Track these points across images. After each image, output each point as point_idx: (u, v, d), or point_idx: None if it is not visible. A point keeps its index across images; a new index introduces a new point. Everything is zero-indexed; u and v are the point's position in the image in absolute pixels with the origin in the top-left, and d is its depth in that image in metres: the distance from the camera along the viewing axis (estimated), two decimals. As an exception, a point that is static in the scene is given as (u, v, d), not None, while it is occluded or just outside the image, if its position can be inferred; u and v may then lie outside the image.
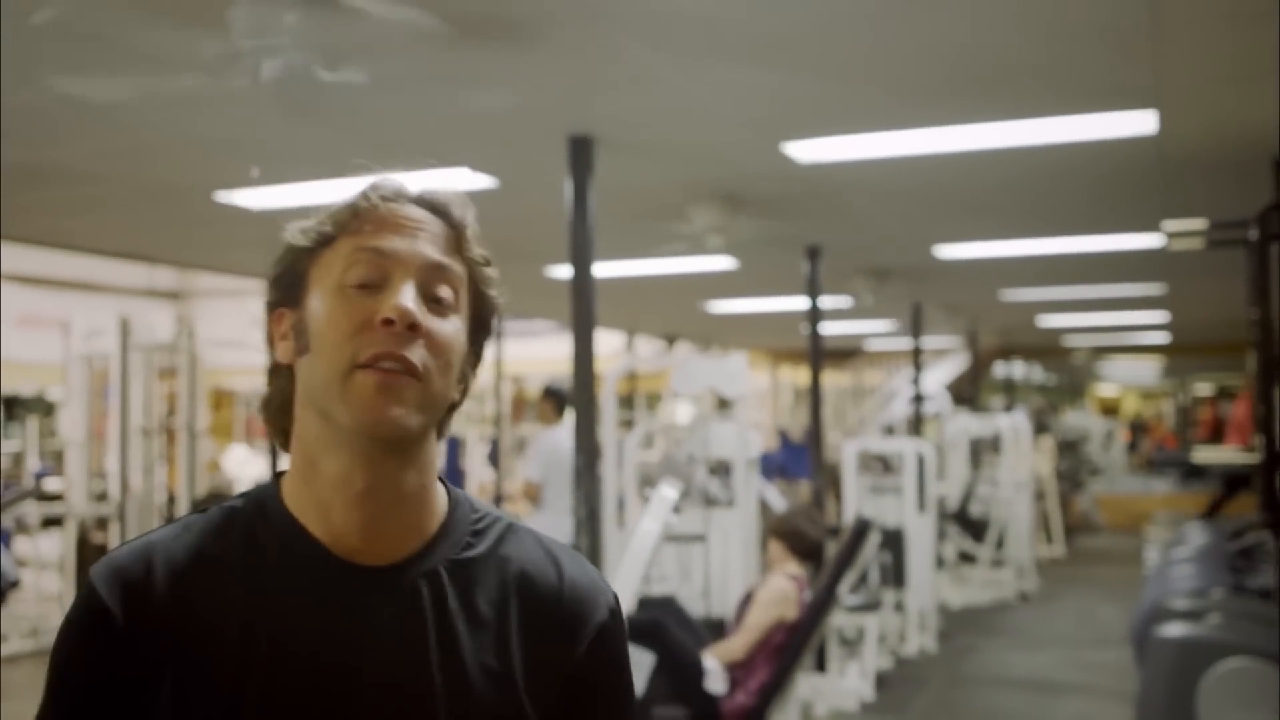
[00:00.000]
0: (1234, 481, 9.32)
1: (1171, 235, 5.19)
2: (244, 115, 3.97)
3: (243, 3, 2.88)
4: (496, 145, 4.66)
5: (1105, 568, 11.52)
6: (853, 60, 3.64)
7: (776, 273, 8.06)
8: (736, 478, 5.84)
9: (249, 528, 1.05)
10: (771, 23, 3.26)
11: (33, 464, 10.52)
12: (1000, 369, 17.77)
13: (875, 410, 13.57)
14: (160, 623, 0.99)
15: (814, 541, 4.77)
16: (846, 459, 7.74)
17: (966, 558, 9.70)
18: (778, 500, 9.11)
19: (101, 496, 8.61)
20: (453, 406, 1.07)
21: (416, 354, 0.99)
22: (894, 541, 7.27)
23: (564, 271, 4.65)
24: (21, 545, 8.31)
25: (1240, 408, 10.88)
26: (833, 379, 16.03)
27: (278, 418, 1.08)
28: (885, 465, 8.21)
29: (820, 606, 4.54)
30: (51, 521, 8.32)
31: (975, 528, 9.75)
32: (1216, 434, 17.07)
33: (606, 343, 13.11)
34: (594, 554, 4.50)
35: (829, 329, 9.32)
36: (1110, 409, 22.92)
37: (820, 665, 5.79)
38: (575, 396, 4.63)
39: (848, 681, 5.85)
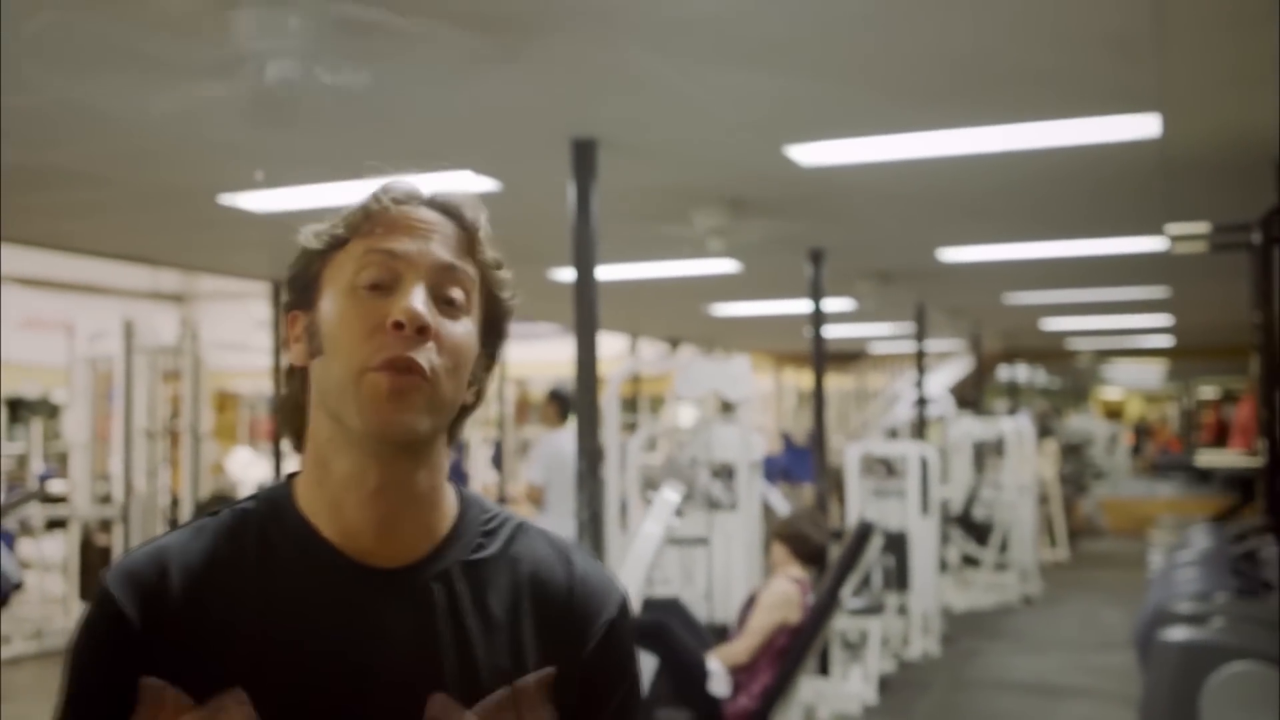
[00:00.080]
0: (1249, 485, 9.31)
1: (1175, 239, 5.19)
2: (248, 118, 3.98)
3: (246, 7, 2.88)
4: (499, 148, 4.66)
5: (1109, 571, 11.51)
6: (855, 63, 3.64)
7: (780, 276, 8.06)
8: (739, 481, 5.84)
9: (262, 529, 1.05)
10: (774, 26, 3.26)
11: (37, 466, 10.53)
12: (1004, 372, 17.76)
13: (879, 413, 13.56)
14: (174, 625, 0.99)
15: (818, 546, 4.78)
16: (850, 462, 7.74)
17: (970, 561, 9.70)
18: (781, 503, 9.11)
19: (105, 499, 8.62)
20: (466, 409, 1.07)
21: (426, 356, 0.99)
22: (897, 545, 7.26)
23: (567, 274, 4.64)
24: (25, 547, 8.32)
25: (1243, 410, 10.86)
26: (836, 382, 16.03)
27: (291, 419, 1.08)
28: (888, 468, 8.20)
29: (823, 610, 4.54)
30: (55, 524, 8.33)
31: (979, 531, 9.74)
32: (1220, 437, 17.04)
33: (610, 345, 13.12)
34: (597, 557, 4.50)
35: (832, 332, 9.32)
36: (1114, 412, 22.89)
37: (823, 668, 5.79)
38: (578, 399, 4.63)
39: (851, 685, 5.85)
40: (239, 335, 11.10)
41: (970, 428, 10.33)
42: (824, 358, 7.53)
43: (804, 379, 17.49)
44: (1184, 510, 12.95)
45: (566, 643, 1.06)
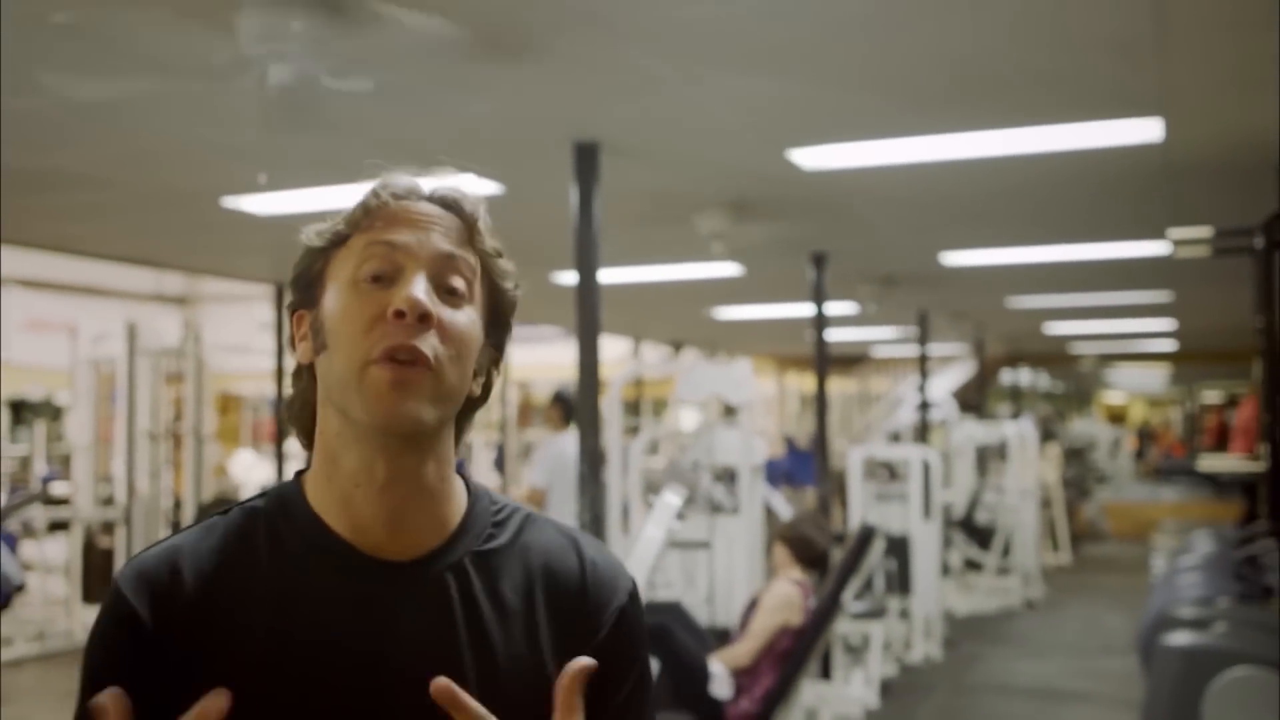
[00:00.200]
0: (1254, 488, 9.30)
1: (1177, 243, 5.19)
2: (251, 121, 3.98)
3: (250, 9, 2.89)
4: (502, 151, 4.67)
5: (1111, 576, 11.49)
6: (858, 67, 3.64)
7: (782, 279, 8.06)
8: (741, 484, 5.84)
9: (272, 526, 1.05)
10: (777, 29, 3.27)
11: (40, 468, 10.56)
12: (1007, 376, 17.75)
13: (881, 417, 13.56)
14: (188, 625, 1.00)
15: (820, 551, 4.77)
16: (852, 466, 7.74)
17: (972, 565, 9.69)
18: (783, 507, 9.10)
19: (108, 501, 8.63)
20: (473, 402, 1.08)
21: (429, 344, 1.00)
22: (900, 548, 7.26)
23: (569, 277, 4.65)
24: (28, 549, 8.34)
25: (1244, 412, 10.85)
26: (839, 386, 16.03)
27: (300, 418, 1.09)
28: (891, 472, 8.20)
29: (825, 613, 4.53)
30: (58, 526, 8.34)
31: (981, 535, 9.73)
32: (1223, 441, 17.03)
33: (613, 348, 13.12)
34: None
35: (835, 336, 9.32)
36: (1117, 416, 22.88)
37: (825, 672, 5.79)
38: (579, 402, 4.63)
39: (853, 689, 5.84)
40: (242, 338, 11.11)
41: (973, 432, 10.32)
42: (826, 361, 7.53)
43: (807, 382, 17.49)
44: (1187, 514, 12.94)
45: (580, 629, 1.07)
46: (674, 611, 4.73)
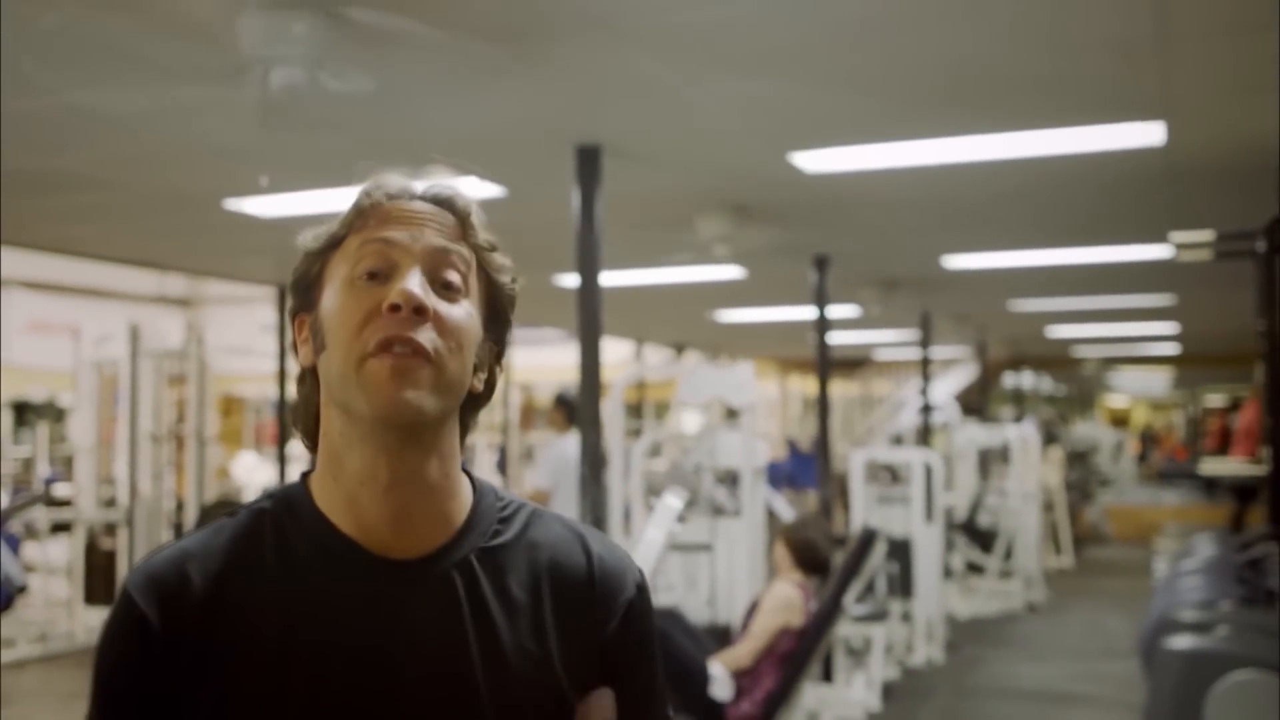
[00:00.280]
0: (1246, 493, 9.30)
1: (1179, 246, 5.19)
2: (253, 123, 3.99)
3: (252, 13, 2.89)
4: (504, 154, 4.67)
5: (1114, 579, 11.48)
6: (859, 71, 3.65)
7: (785, 282, 8.06)
8: (743, 487, 5.84)
9: (280, 528, 1.06)
10: (779, 33, 3.27)
11: (42, 469, 10.57)
12: (1009, 379, 17.75)
13: (883, 420, 13.56)
14: (199, 627, 1.00)
15: (823, 559, 4.76)
16: (854, 468, 7.73)
17: (974, 568, 9.68)
18: (786, 510, 9.10)
19: (110, 502, 8.63)
20: (476, 399, 1.09)
21: (426, 336, 1.00)
22: (901, 551, 7.25)
23: (572, 280, 4.65)
24: (30, 550, 8.34)
25: (1246, 415, 10.85)
26: (841, 389, 16.02)
27: (305, 421, 1.09)
28: (893, 475, 8.19)
29: (827, 616, 4.53)
30: (60, 527, 8.34)
31: (983, 538, 9.72)
32: (1226, 445, 17.02)
33: (615, 351, 13.12)
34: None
35: (837, 338, 9.33)
36: (1120, 420, 22.88)
37: (827, 675, 5.79)
38: (581, 405, 4.64)
39: (854, 692, 5.84)
40: (244, 340, 11.12)
41: (975, 434, 10.31)
42: (829, 364, 7.52)
43: (809, 385, 17.50)
44: (1189, 518, 12.92)
45: (588, 623, 1.08)
46: (670, 616, 4.73)
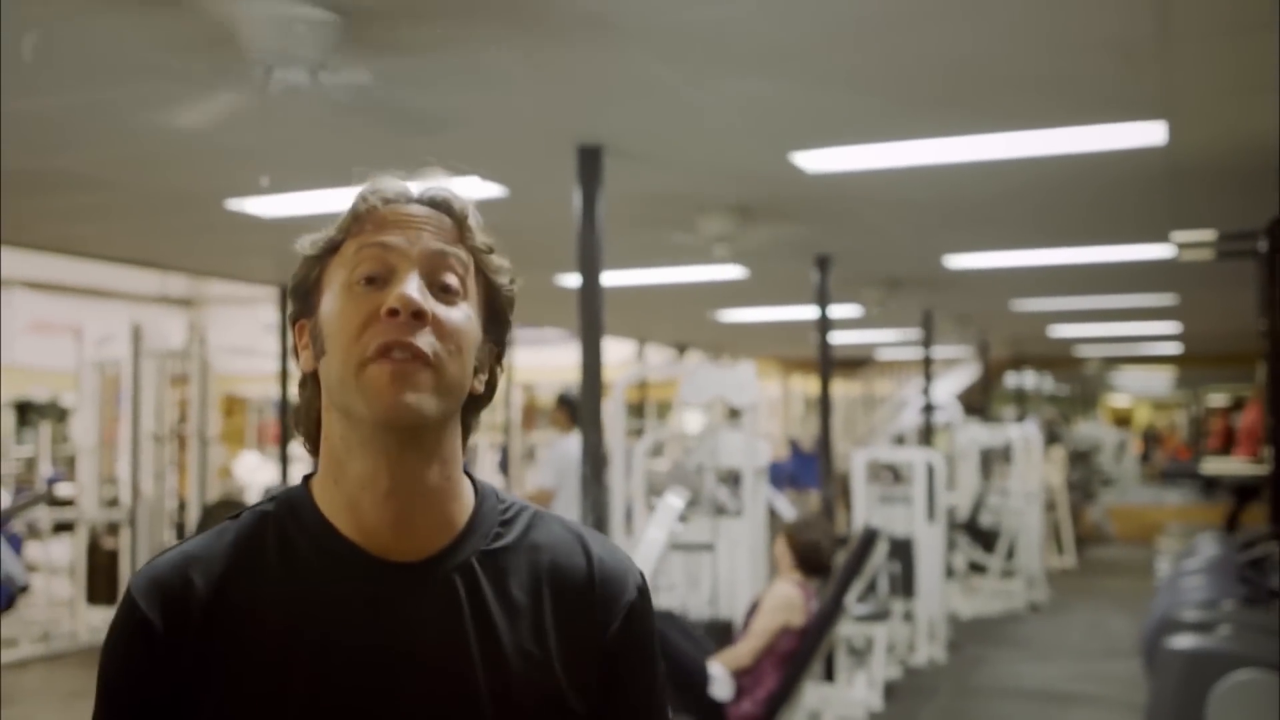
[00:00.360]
0: (1244, 492, 9.28)
1: (1181, 246, 5.19)
2: (254, 123, 3.99)
3: (255, 12, 2.89)
4: (506, 154, 4.68)
5: (1116, 579, 11.47)
6: (861, 70, 3.65)
7: (786, 282, 8.06)
8: (745, 486, 5.84)
9: (282, 530, 1.06)
10: (780, 33, 3.27)
11: (45, 469, 10.57)
12: (1011, 379, 17.74)
13: (886, 420, 13.55)
14: (202, 630, 1.01)
15: (825, 563, 4.75)
16: (856, 468, 7.73)
17: (976, 568, 9.67)
18: (787, 509, 9.10)
19: (113, 502, 8.64)
20: (476, 400, 1.09)
21: (425, 340, 1.00)
22: (903, 551, 7.25)
23: (573, 280, 4.65)
24: (33, 550, 8.34)
25: (1249, 415, 10.84)
26: (843, 388, 16.02)
27: (306, 425, 1.10)
28: (895, 475, 8.19)
29: (828, 615, 4.53)
30: (63, 527, 8.35)
31: (985, 538, 9.71)
32: (1229, 444, 17.00)
33: (617, 351, 13.13)
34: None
35: (839, 338, 9.33)
36: (1123, 419, 22.85)
37: (828, 674, 5.78)
38: (583, 404, 4.64)
39: (856, 691, 5.84)
40: (247, 340, 11.13)
41: (977, 434, 10.31)
42: (830, 364, 7.52)
43: (811, 385, 17.50)
44: (1192, 518, 12.91)
45: (588, 625, 1.08)
46: (667, 618, 4.73)
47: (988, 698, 6.73)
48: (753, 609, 4.66)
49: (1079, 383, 21.66)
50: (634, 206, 5.50)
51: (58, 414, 11.71)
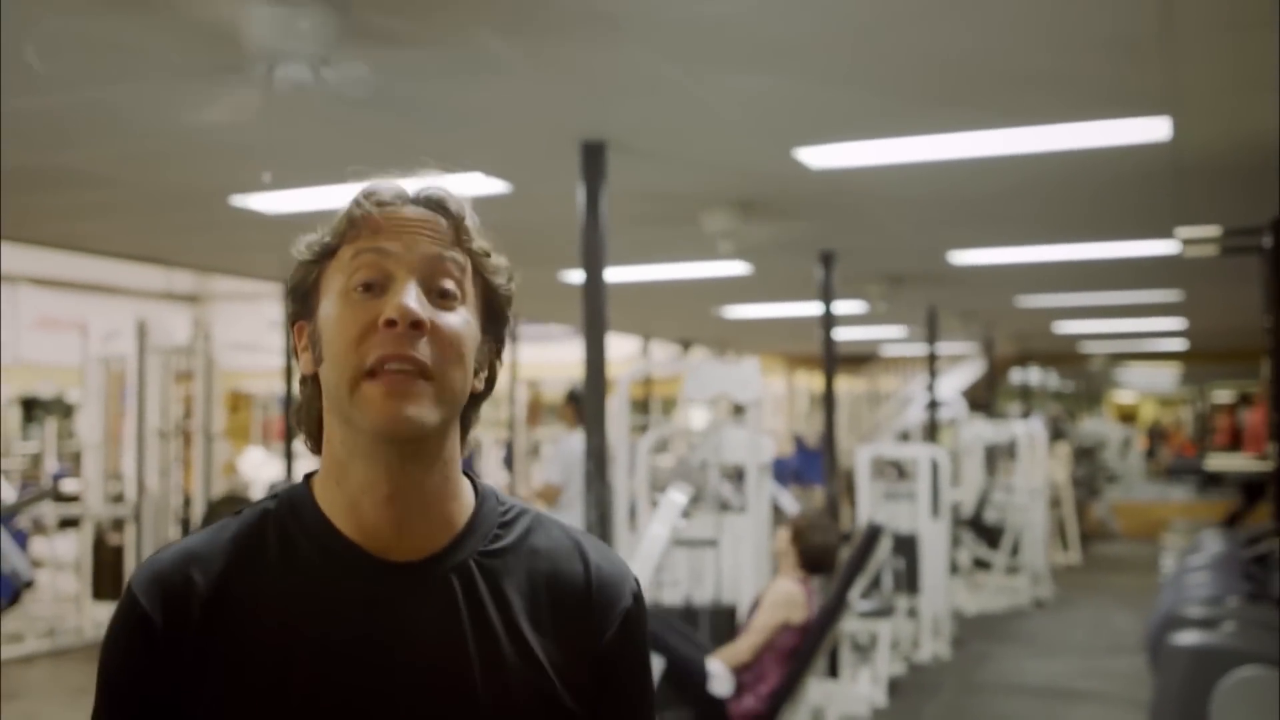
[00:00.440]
0: (1252, 490, 9.26)
1: (1186, 242, 5.18)
2: (258, 119, 4.00)
3: (258, 8, 2.90)
4: (509, 150, 4.67)
5: (1121, 575, 11.47)
6: (865, 66, 3.64)
7: (791, 278, 8.06)
8: (749, 483, 5.84)
9: (283, 528, 1.06)
10: (784, 29, 3.27)
11: (50, 465, 10.59)
12: (1016, 375, 17.72)
13: (890, 416, 13.55)
14: (201, 625, 1.01)
15: (827, 562, 4.74)
16: (861, 464, 7.73)
17: (981, 564, 9.67)
18: (792, 505, 9.10)
19: (118, 498, 8.65)
20: (477, 397, 1.09)
21: (424, 351, 1.00)
22: (908, 547, 7.25)
23: (577, 276, 4.65)
24: (38, 546, 8.37)
25: (1258, 415, 10.83)
26: (848, 385, 16.01)
27: (308, 425, 1.10)
28: (900, 471, 8.19)
29: (832, 611, 4.53)
30: (68, 522, 8.37)
31: (990, 534, 9.71)
32: (1235, 441, 16.98)
33: (622, 347, 13.12)
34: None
35: (844, 334, 9.31)
36: (1128, 416, 22.83)
37: (832, 671, 5.79)
38: (587, 401, 4.64)
39: (860, 687, 5.84)
40: (251, 336, 11.14)
41: (982, 430, 10.30)
42: (835, 360, 7.52)
43: (815, 381, 17.49)
44: (1197, 514, 12.90)
45: (584, 630, 1.08)
46: (662, 619, 4.73)
47: (992, 694, 6.73)
48: (756, 606, 4.66)
49: (1084, 379, 21.65)
50: (638, 203, 5.50)
51: (63, 410, 11.73)
